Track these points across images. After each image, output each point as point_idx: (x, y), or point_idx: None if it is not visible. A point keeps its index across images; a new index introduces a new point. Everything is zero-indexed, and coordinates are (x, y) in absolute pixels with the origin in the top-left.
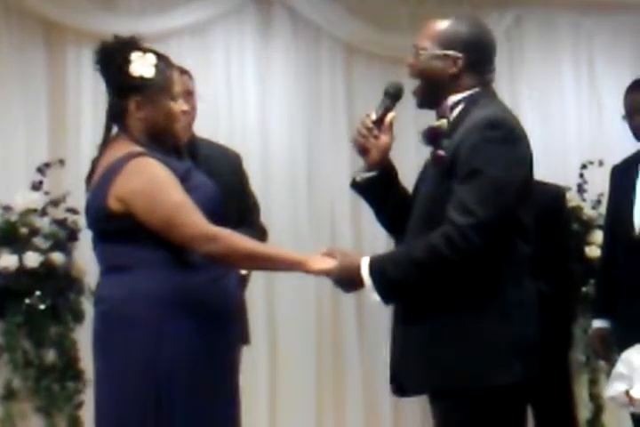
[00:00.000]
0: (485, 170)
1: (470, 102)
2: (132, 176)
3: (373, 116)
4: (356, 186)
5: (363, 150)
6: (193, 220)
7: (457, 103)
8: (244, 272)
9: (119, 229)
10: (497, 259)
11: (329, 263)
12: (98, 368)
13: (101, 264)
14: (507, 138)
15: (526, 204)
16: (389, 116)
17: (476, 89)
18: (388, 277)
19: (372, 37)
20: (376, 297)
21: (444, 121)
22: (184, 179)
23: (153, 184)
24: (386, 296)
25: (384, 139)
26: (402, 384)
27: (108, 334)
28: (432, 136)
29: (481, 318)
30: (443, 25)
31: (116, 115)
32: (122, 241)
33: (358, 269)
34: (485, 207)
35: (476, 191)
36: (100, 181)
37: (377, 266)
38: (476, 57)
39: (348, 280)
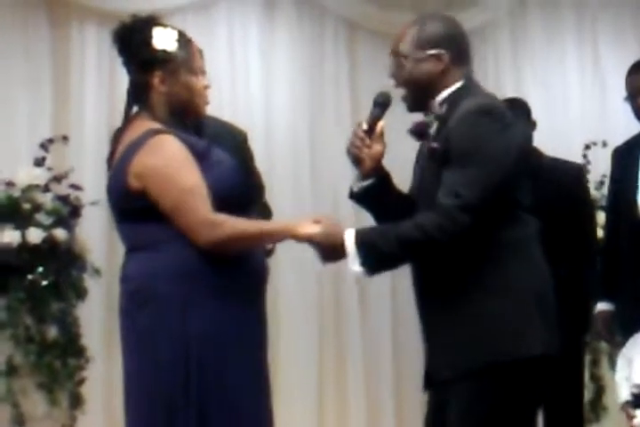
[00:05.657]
0: (474, 154)
1: (458, 95)
2: (151, 153)
3: (365, 126)
4: (355, 196)
5: (357, 160)
6: (198, 206)
7: (445, 99)
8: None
9: (140, 207)
10: (483, 240)
11: (314, 229)
12: (127, 345)
13: (125, 244)
14: (496, 123)
15: (524, 188)
16: (379, 124)
17: (462, 82)
18: (378, 249)
19: (376, 15)
20: (357, 268)
21: (431, 115)
22: (204, 156)
23: (169, 164)
24: (372, 267)
25: (376, 147)
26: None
27: (136, 312)
28: (419, 131)
29: (475, 298)
30: (416, 28)
31: (138, 91)
32: (143, 220)
33: (342, 236)
34: (471, 189)
35: (462, 174)
36: (120, 160)
37: (365, 237)
38: (459, 49)
39: (329, 247)
